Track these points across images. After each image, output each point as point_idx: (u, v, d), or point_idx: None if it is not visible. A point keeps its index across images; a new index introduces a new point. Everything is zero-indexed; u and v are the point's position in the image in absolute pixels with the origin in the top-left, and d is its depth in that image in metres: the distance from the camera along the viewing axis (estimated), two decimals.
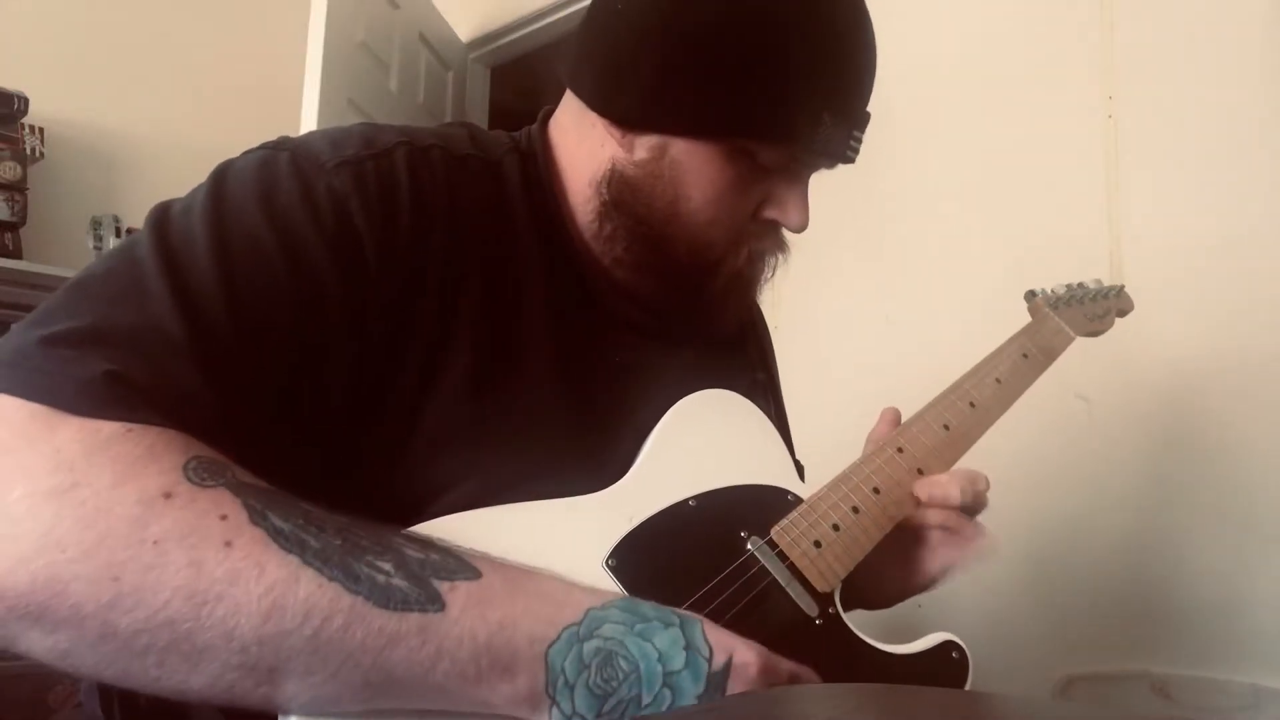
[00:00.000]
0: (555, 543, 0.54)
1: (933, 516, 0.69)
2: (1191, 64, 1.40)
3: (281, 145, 0.57)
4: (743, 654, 0.48)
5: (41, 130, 2.09)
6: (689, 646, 0.46)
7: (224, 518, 0.41)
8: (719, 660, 0.47)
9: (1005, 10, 1.64)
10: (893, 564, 0.71)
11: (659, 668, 0.45)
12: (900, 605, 0.74)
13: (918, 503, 0.70)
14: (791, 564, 0.62)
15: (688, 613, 0.49)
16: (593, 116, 0.65)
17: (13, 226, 1.98)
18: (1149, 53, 1.45)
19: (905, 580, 0.72)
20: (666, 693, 0.45)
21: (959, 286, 1.60)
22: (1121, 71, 1.47)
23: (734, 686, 0.46)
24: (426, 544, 0.46)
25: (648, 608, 0.48)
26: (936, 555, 0.70)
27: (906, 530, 0.70)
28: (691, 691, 0.45)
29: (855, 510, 0.67)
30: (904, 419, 0.77)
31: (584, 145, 0.67)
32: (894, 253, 1.71)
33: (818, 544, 0.64)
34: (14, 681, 1.56)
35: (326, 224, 0.53)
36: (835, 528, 0.65)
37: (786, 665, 0.50)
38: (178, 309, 0.47)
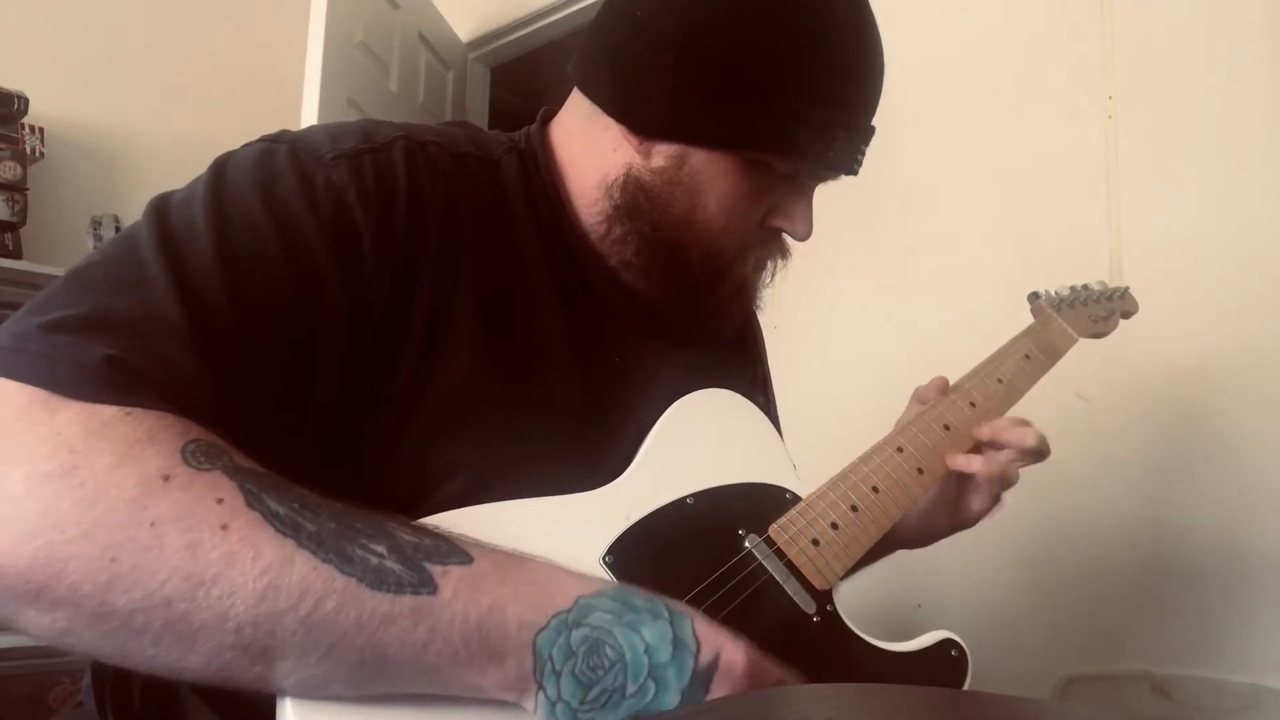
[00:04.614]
0: (553, 539, 0.53)
1: (1001, 456, 0.75)
2: (1191, 64, 1.40)
3: (281, 138, 0.58)
4: (730, 653, 0.47)
5: (41, 130, 2.09)
6: (677, 640, 0.46)
7: (220, 501, 0.41)
8: (706, 657, 0.46)
9: (1005, 10, 1.64)
10: (940, 507, 0.78)
11: (645, 659, 0.45)
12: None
13: (979, 445, 0.76)
14: (789, 561, 0.62)
15: (681, 606, 0.49)
16: (606, 120, 0.65)
17: (13, 226, 1.98)
18: (1149, 53, 1.45)
19: (951, 521, 0.78)
20: (651, 684, 0.45)
21: (959, 285, 1.60)
22: (1121, 71, 1.47)
23: (718, 684, 0.46)
24: (420, 529, 0.46)
25: (639, 598, 0.48)
26: (981, 496, 0.76)
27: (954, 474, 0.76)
28: (676, 685, 0.45)
29: (854, 509, 0.67)
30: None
31: (594, 148, 0.67)
32: (894, 252, 1.71)
33: (816, 542, 0.64)
34: (14, 681, 1.56)
35: (324, 215, 0.53)
36: (834, 526, 0.65)
37: (775, 670, 0.50)
38: (177, 296, 0.47)
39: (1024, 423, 0.77)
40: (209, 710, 0.51)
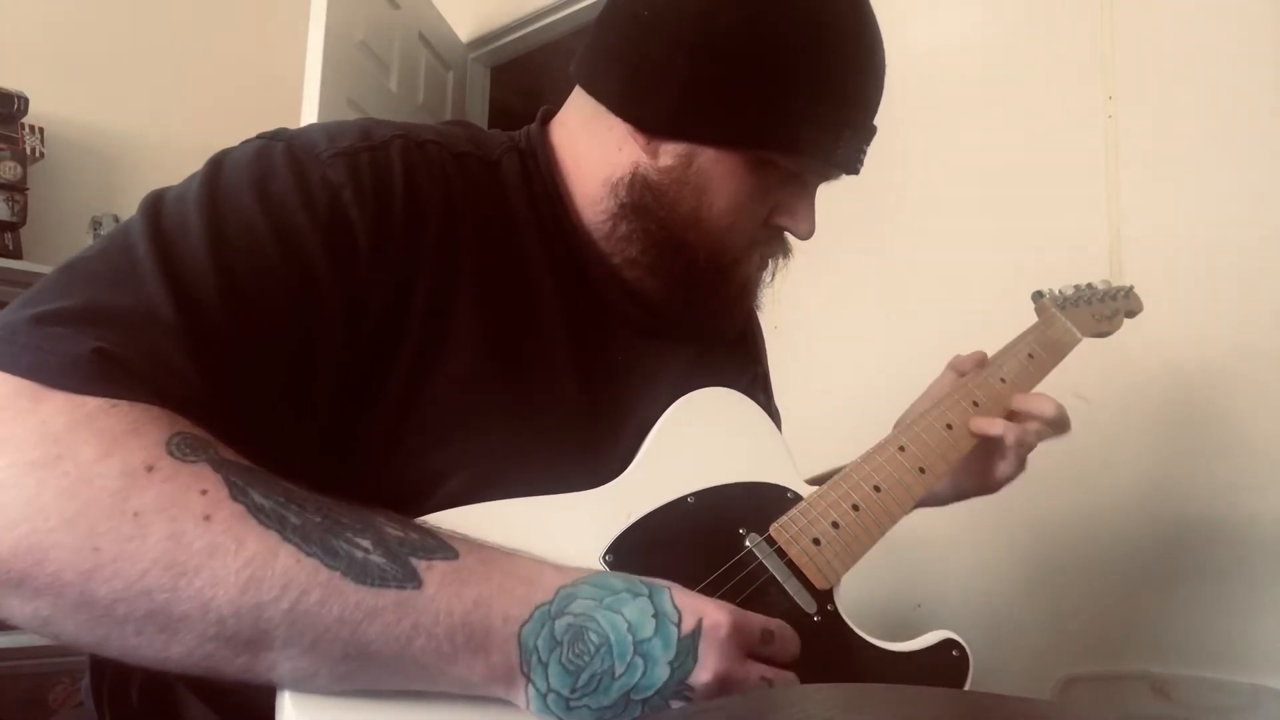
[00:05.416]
0: (553, 537, 0.53)
1: (1030, 428, 0.78)
2: (1191, 64, 1.40)
3: (278, 136, 0.58)
4: (713, 615, 0.48)
5: (41, 130, 2.09)
6: (658, 613, 0.46)
7: (204, 492, 0.41)
8: (689, 624, 0.47)
9: (1005, 10, 1.64)
10: (970, 472, 0.81)
11: (629, 637, 0.45)
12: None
13: (1009, 415, 0.79)
14: (790, 561, 0.62)
15: (658, 581, 0.49)
16: (611, 119, 0.65)
17: (13, 226, 1.98)
18: (1149, 53, 1.45)
19: (978, 485, 0.82)
20: (639, 661, 0.45)
21: (959, 285, 1.60)
22: (1121, 71, 1.47)
23: (706, 648, 0.46)
24: (406, 524, 0.46)
25: (617, 580, 0.48)
26: (1007, 462, 0.79)
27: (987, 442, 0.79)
28: (663, 658, 0.45)
29: (855, 508, 0.67)
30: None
31: (598, 147, 0.67)
32: (894, 252, 1.71)
33: (817, 541, 0.64)
34: (14, 681, 1.56)
35: (320, 213, 0.53)
36: (835, 525, 0.65)
37: (758, 620, 0.50)
38: (169, 291, 0.47)
39: (1042, 395, 0.81)
40: (207, 709, 0.51)
